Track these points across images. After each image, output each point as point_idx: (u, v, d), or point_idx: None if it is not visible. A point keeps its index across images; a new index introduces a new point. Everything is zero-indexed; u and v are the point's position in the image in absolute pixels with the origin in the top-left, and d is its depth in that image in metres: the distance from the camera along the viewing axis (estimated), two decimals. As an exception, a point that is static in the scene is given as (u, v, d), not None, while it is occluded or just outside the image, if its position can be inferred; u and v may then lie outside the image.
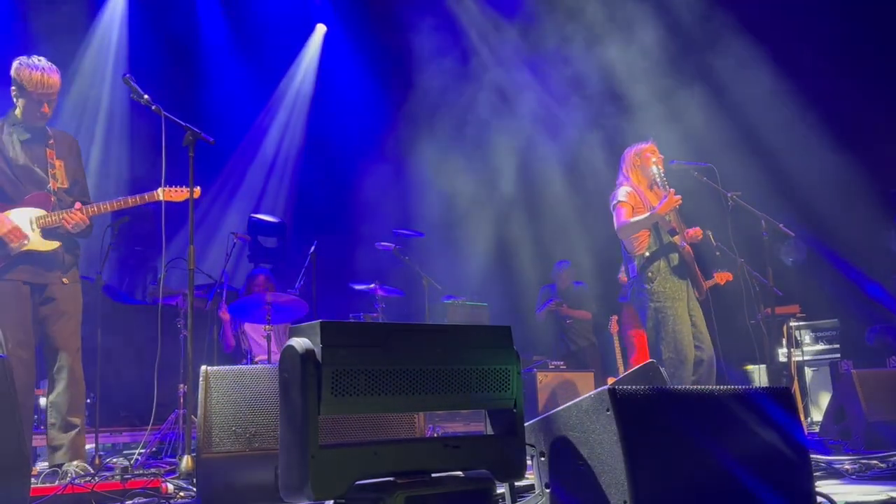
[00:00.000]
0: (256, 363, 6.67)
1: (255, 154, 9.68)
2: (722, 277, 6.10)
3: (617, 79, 8.91)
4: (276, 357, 6.44)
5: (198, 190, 4.56)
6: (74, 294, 4.52)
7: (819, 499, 2.92)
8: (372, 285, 7.35)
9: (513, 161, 9.69)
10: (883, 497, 3.21)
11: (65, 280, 4.47)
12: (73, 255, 4.57)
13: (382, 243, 7.36)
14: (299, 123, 10.03)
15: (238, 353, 7.10)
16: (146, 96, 4.40)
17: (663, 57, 8.58)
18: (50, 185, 4.48)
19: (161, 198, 4.58)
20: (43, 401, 4.95)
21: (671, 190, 5.09)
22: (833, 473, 4.03)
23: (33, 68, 4.40)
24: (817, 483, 3.14)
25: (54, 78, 4.45)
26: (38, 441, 5.45)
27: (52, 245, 4.42)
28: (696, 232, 5.37)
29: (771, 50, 8.43)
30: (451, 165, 9.54)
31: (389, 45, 9.63)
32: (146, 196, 4.57)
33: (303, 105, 10.06)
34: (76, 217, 4.40)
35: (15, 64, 4.43)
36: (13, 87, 4.46)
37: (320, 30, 10.09)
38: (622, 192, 5.34)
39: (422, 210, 9.45)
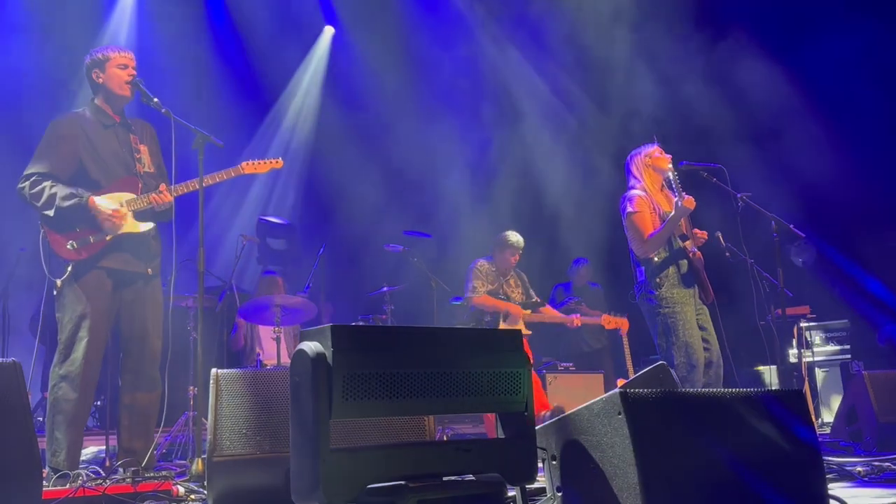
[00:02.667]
0: (266, 366, 6.69)
1: (263, 156, 9.67)
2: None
3: (626, 72, 8.90)
4: (285, 359, 6.45)
5: (280, 161, 4.76)
6: (154, 291, 4.50)
7: (832, 502, 2.91)
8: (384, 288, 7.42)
9: (521, 159, 9.68)
10: (895, 500, 3.19)
11: (149, 270, 4.45)
12: (159, 241, 4.57)
13: (391, 245, 7.38)
14: (308, 125, 10.03)
15: (248, 355, 7.11)
16: (156, 100, 4.40)
17: (671, 53, 8.56)
18: (136, 168, 4.49)
19: (245, 171, 4.60)
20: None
21: (686, 196, 4.99)
22: (845, 476, 4.01)
23: (112, 49, 4.52)
24: (829, 486, 3.13)
25: (130, 53, 4.56)
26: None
27: (147, 226, 4.41)
28: (701, 234, 5.31)
29: (779, 48, 8.40)
30: (460, 166, 9.53)
31: (398, 47, 9.63)
32: (231, 171, 4.55)
33: (311, 106, 10.06)
34: (164, 198, 4.39)
35: (90, 58, 4.49)
36: (94, 72, 4.48)
37: (328, 32, 10.10)
38: (633, 200, 5.21)
39: (431, 211, 9.44)
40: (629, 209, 5.22)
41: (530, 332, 6.79)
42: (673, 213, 5.03)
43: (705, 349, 5.08)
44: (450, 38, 9.56)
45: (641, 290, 5.23)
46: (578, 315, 7.01)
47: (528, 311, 6.88)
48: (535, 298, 7.01)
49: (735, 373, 5.87)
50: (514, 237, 6.93)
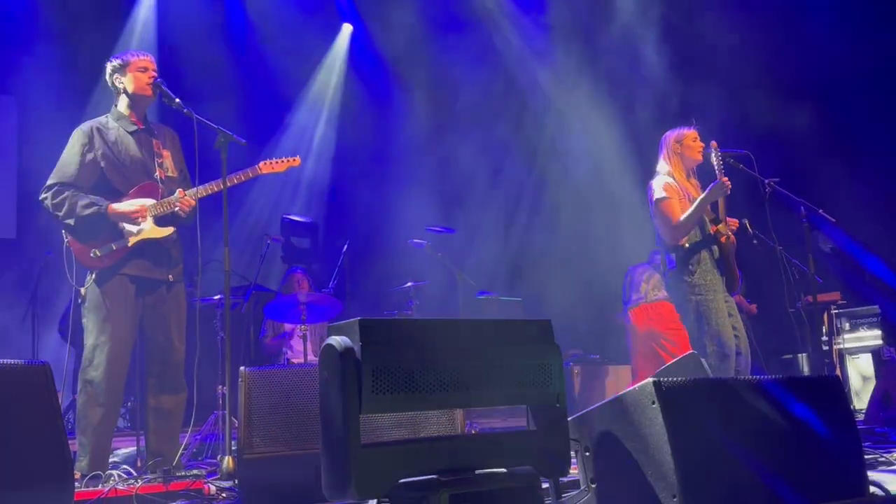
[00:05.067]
0: (293, 363, 6.69)
1: (286, 153, 9.67)
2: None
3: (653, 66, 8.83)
4: (311, 357, 6.45)
5: (297, 159, 4.72)
6: (177, 296, 4.51)
7: (872, 487, 2.85)
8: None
9: (544, 154, 9.63)
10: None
11: (170, 277, 4.45)
12: (180, 247, 4.57)
13: (415, 240, 7.36)
14: (330, 122, 10.03)
15: (275, 354, 7.12)
16: (177, 100, 4.40)
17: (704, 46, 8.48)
18: (157, 174, 4.48)
19: (262, 171, 4.59)
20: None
21: (725, 178, 4.87)
22: (882, 462, 3.94)
23: (131, 53, 4.53)
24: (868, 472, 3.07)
25: (150, 56, 4.56)
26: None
27: (167, 231, 4.41)
28: (732, 221, 5.19)
29: (802, 47, 8.31)
30: (483, 161, 9.50)
31: (417, 44, 9.60)
32: (249, 172, 4.54)
33: (332, 104, 10.06)
34: (187, 202, 4.40)
35: (110, 64, 4.50)
36: (116, 77, 4.49)
37: (347, 29, 10.09)
38: (662, 185, 5.06)
39: (455, 206, 9.41)
40: (657, 195, 5.06)
41: None
42: (705, 193, 4.90)
43: (734, 337, 4.99)
44: (468, 32, 9.52)
45: (673, 276, 5.09)
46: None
47: None
48: None
49: (764, 361, 5.78)
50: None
